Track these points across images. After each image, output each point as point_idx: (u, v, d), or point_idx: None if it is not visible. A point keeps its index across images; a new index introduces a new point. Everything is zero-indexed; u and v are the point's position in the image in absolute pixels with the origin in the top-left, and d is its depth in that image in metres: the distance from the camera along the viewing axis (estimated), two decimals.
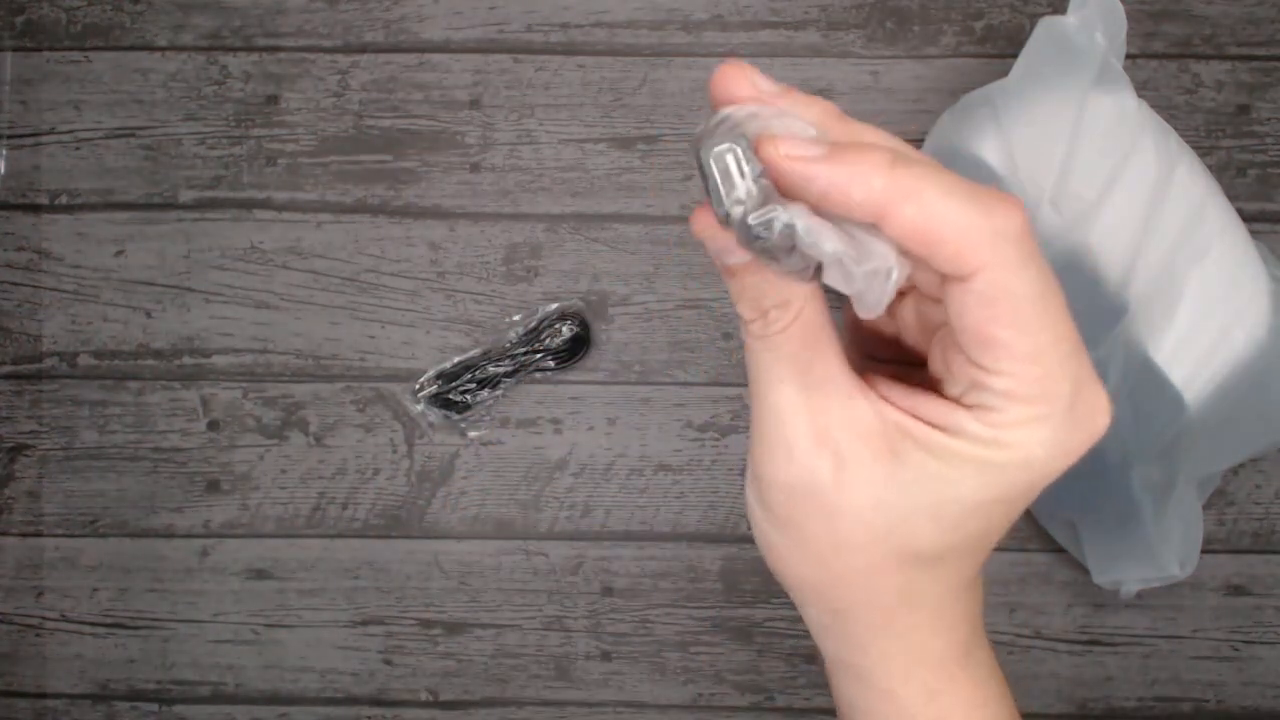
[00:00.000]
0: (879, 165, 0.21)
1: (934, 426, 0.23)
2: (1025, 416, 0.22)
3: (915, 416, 0.24)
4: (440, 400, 0.56)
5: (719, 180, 0.21)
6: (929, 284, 0.25)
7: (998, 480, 0.23)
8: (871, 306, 0.22)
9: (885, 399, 0.24)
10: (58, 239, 0.67)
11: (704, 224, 0.23)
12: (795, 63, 0.66)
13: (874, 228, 0.22)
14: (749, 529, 0.65)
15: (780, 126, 0.23)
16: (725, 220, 0.21)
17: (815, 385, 0.24)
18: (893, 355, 0.27)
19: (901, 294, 0.26)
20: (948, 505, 0.24)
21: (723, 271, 0.24)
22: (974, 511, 0.24)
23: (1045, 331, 0.22)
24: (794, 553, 0.26)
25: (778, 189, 0.22)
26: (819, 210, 0.21)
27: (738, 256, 0.23)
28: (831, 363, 0.24)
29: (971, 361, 0.22)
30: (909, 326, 0.27)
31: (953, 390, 0.24)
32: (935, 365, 0.25)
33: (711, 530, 0.65)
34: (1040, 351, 0.22)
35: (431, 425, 0.58)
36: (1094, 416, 0.23)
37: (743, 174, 0.21)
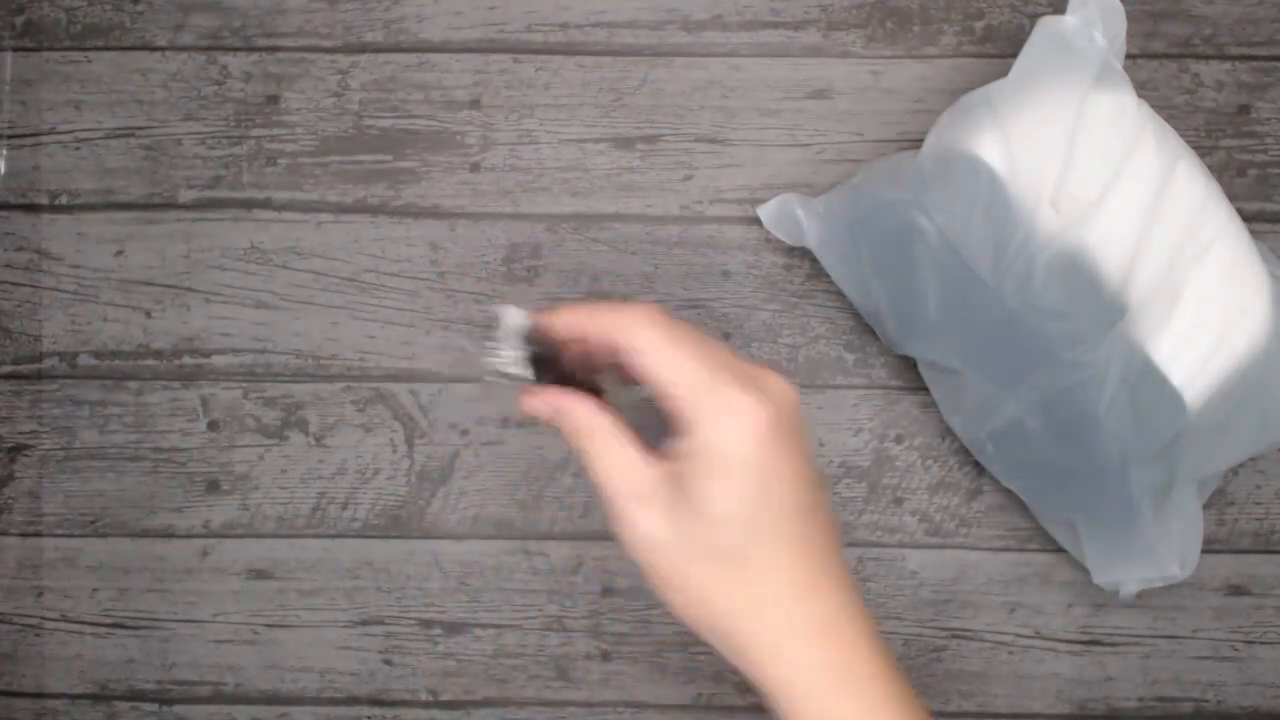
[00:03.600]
0: (585, 311, 0.40)
1: (676, 459, 0.37)
2: (698, 424, 0.36)
3: (670, 459, 0.37)
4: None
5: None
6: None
7: (713, 469, 0.36)
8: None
9: (662, 456, 0.38)
10: (58, 239, 0.67)
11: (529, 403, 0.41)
12: (795, 63, 0.66)
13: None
14: None
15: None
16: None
17: (618, 461, 0.38)
18: None
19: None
20: (709, 510, 0.36)
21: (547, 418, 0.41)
22: (724, 500, 0.36)
23: (691, 365, 0.37)
24: (672, 592, 0.38)
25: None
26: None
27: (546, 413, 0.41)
28: (619, 447, 0.38)
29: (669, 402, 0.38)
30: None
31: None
32: None
33: None
34: (687, 389, 0.37)
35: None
36: (747, 413, 0.36)
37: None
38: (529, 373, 0.40)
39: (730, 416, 0.35)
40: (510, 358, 0.40)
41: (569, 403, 0.39)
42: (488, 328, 0.40)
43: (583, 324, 0.38)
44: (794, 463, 0.36)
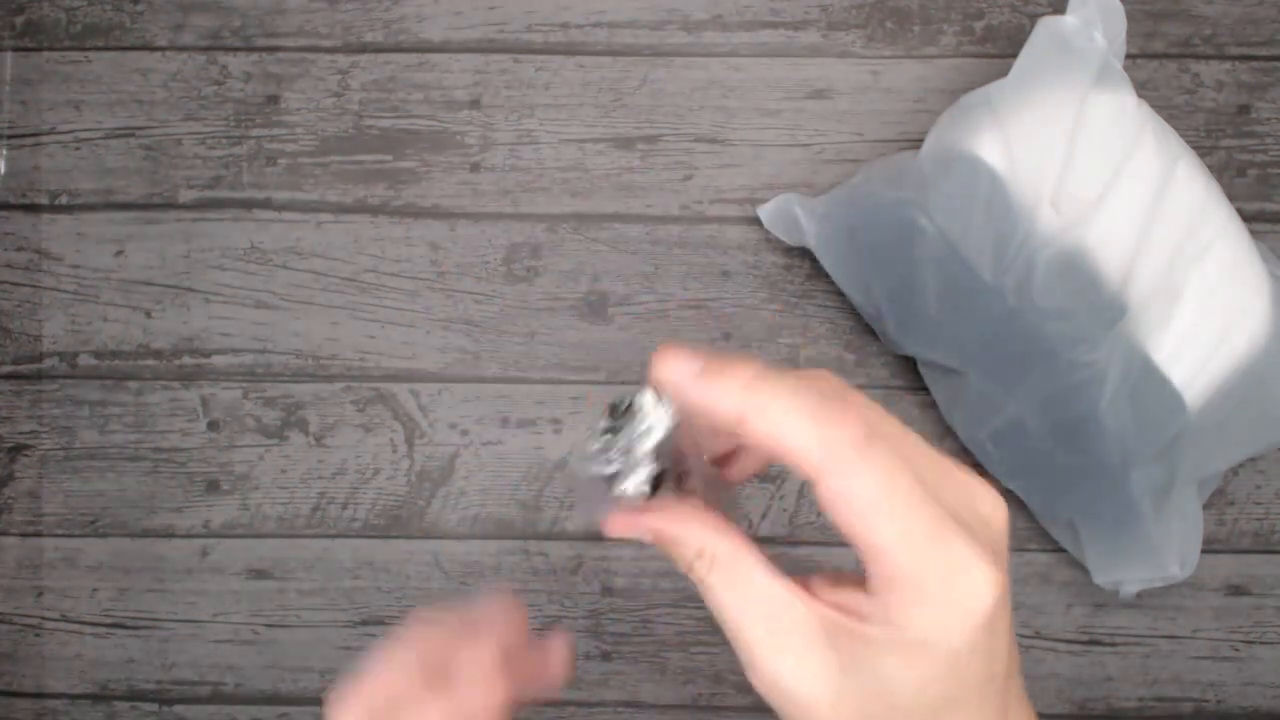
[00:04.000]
0: (737, 382, 0.26)
1: (853, 615, 0.26)
2: (906, 600, 0.25)
3: (840, 609, 0.26)
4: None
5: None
6: None
7: (913, 658, 0.25)
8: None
9: (817, 597, 0.27)
10: (58, 239, 0.67)
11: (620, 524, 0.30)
12: (795, 63, 0.66)
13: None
14: (749, 531, 0.65)
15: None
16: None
17: (758, 600, 0.27)
18: None
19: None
20: (889, 687, 0.26)
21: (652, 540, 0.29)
22: (913, 687, 0.26)
23: (893, 525, 0.24)
24: None
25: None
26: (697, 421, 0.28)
27: (647, 538, 0.29)
28: (759, 580, 0.28)
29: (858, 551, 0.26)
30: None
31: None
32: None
33: None
34: (893, 543, 0.24)
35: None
36: (975, 596, 0.25)
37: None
38: (647, 489, 0.29)
39: (954, 593, 0.25)
40: (639, 478, 0.29)
41: (689, 524, 0.28)
42: (609, 428, 0.29)
43: (758, 434, 0.26)
44: (1009, 637, 0.27)
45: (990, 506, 0.27)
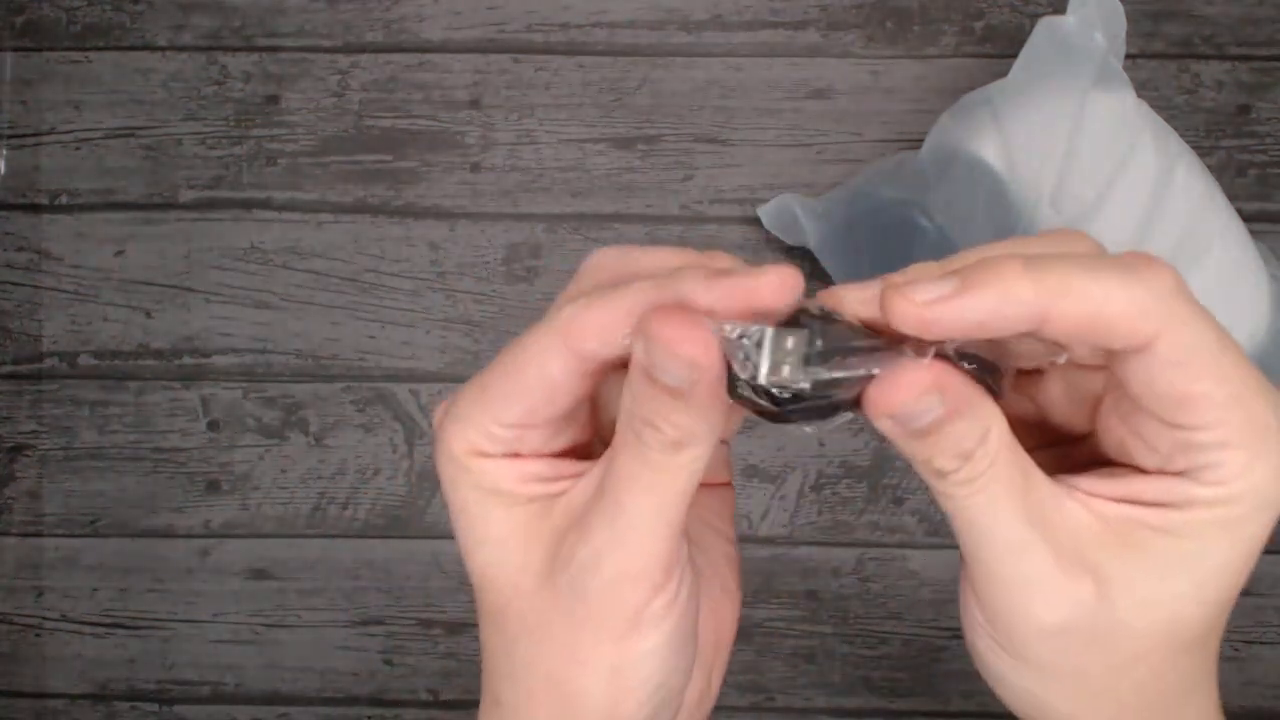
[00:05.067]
0: (1018, 276, 0.20)
1: (1162, 506, 0.22)
2: (1246, 459, 0.21)
3: (1135, 502, 0.22)
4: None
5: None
6: (1078, 354, 0.24)
7: (1244, 534, 0.22)
8: None
9: (1091, 495, 0.22)
10: (58, 239, 0.67)
11: (901, 392, 0.20)
12: (795, 62, 0.66)
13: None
14: (749, 531, 0.65)
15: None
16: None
17: (1036, 509, 0.22)
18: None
19: (1035, 372, 0.25)
20: (1208, 580, 0.22)
21: (911, 437, 0.21)
22: (1231, 575, 0.22)
23: (1237, 372, 0.21)
24: (1070, 700, 0.23)
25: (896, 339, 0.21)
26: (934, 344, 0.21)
27: (928, 416, 0.20)
28: (1041, 478, 0.22)
29: (1172, 425, 0.21)
30: (1056, 404, 0.25)
31: (1149, 461, 0.22)
32: (1109, 440, 0.24)
33: None
34: (1239, 393, 0.21)
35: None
36: None
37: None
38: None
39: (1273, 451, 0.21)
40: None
41: (984, 397, 0.21)
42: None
43: (1071, 318, 0.20)
44: None
45: None
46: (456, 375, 0.66)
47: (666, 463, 0.21)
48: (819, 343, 0.20)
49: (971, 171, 0.55)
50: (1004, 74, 0.57)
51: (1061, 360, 0.22)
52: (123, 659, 0.66)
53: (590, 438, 0.26)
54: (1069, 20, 0.56)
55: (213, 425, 0.66)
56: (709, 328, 0.20)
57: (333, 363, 0.66)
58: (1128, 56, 0.65)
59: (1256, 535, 0.22)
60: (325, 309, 0.66)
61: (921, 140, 0.60)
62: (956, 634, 0.66)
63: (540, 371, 0.23)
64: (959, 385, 0.21)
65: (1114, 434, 0.23)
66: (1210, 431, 0.21)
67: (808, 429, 0.21)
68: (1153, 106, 0.59)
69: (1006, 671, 0.24)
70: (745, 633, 0.65)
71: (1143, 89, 0.65)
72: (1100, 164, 0.55)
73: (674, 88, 0.67)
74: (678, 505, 0.22)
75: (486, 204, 0.66)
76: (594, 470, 0.23)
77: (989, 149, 0.55)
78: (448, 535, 0.66)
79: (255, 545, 0.66)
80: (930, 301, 0.20)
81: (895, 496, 0.66)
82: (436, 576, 0.66)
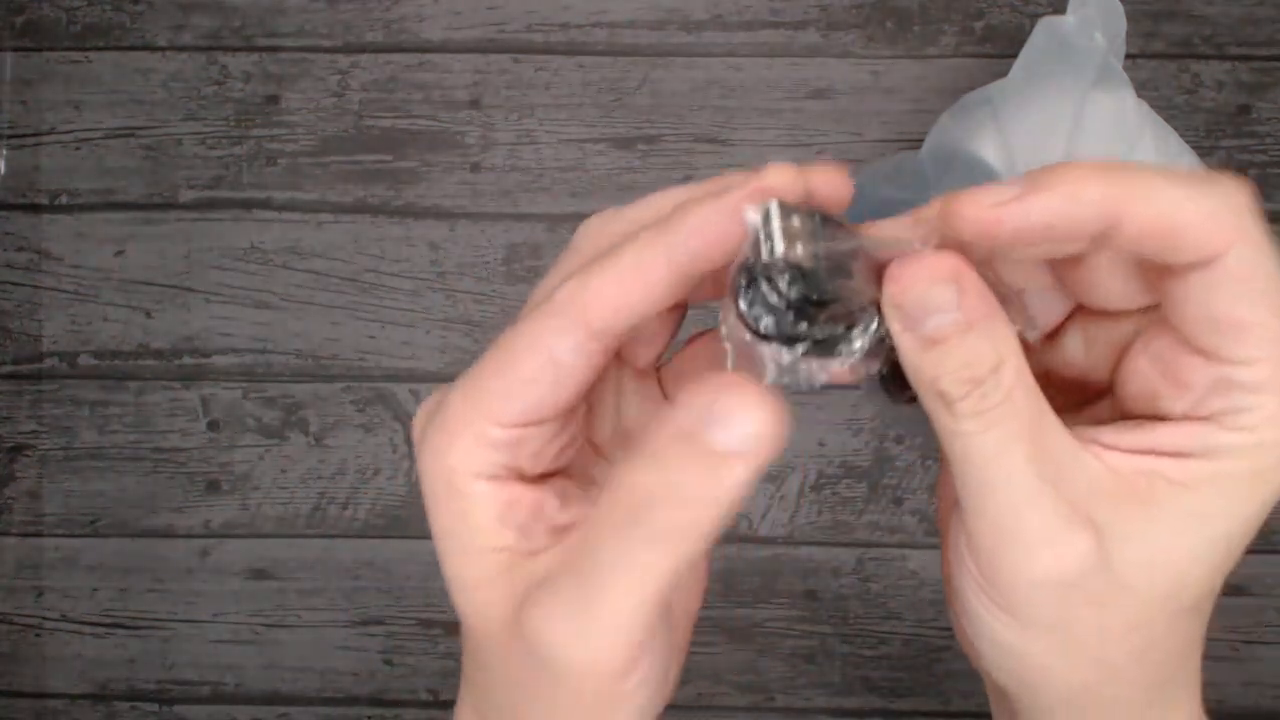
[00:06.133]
0: (1090, 178, 0.20)
1: (1184, 456, 0.20)
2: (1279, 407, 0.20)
3: (1154, 453, 0.20)
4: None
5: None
6: (1111, 298, 0.23)
7: (1266, 489, 0.20)
8: (1042, 326, 0.21)
9: (1109, 448, 0.21)
10: (58, 239, 0.67)
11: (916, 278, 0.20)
12: (795, 63, 0.66)
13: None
14: (749, 531, 0.65)
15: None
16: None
17: (1050, 458, 0.20)
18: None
19: (1053, 330, 0.24)
20: (1219, 538, 0.21)
21: (919, 345, 0.20)
22: (1242, 535, 0.21)
23: None
24: (1050, 653, 0.22)
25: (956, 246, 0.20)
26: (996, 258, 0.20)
27: (941, 319, 0.19)
28: (1057, 426, 0.20)
29: (1214, 358, 0.20)
30: (1072, 361, 0.24)
31: (1176, 406, 0.21)
32: (1131, 389, 0.22)
33: None
34: None
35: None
36: None
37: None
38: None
39: None
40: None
41: (1001, 318, 0.20)
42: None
43: (1145, 222, 0.19)
44: None
45: None
46: (456, 375, 0.66)
47: (667, 531, 0.19)
48: (824, 225, 0.20)
49: (971, 171, 0.55)
50: (1004, 74, 0.57)
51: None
52: (123, 659, 0.66)
53: (583, 459, 0.24)
54: (1069, 20, 0.56)
55: (213, 425, 0.66)
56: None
57: (333, 363, 0.66)
58: (1128, 56, 0.65)
59: (1278, 491, 0.21)
60: (325, 309, 0.66)
61: (921, 140, 0.60)
62: None
63: (545, 358, 0.21)
64: (978, 289, 0.19)
65: (1140, 379, 0.22)
66: (1251, 369, 0.19)
67: (821, 376, 0.20)
68: (1153, 106, 0.59)
69: (990, 622, 0.22)
70: (745, 633, 0.65)
71: (1143, 89, 0.65)
72: None
73: (674, 88, 0.67)
74: (664, 592, 0.19)
75: (486, 204, 0.66)
76: (568, 541, 0.22)
77: (989, 149, 0.55)
78: None
79: (255, 545, 0.66)
80: (998, 204, 0.19)
81: (895, 496, 0.66)
82: (436, 576, 0.66)
